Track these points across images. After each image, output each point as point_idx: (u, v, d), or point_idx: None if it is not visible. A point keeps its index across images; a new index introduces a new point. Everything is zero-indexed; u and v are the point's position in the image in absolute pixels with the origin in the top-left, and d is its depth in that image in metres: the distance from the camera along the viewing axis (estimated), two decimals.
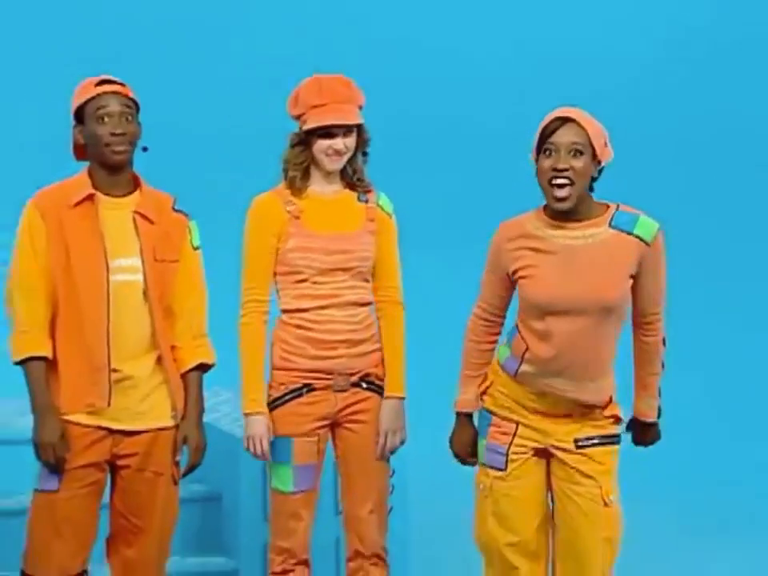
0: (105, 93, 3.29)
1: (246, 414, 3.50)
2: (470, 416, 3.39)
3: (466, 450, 3.38)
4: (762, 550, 5.17)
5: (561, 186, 3.08)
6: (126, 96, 3.31)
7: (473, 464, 3.37)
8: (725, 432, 6.70)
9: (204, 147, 5.88)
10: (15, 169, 6.54)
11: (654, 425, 3.41)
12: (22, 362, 3.28)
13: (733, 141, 7.63)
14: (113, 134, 3.26)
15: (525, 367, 3.23)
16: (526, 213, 3.26)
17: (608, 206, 3.19)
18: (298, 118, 3.53)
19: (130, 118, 3.30)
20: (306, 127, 3.48)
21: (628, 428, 3.41)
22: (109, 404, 3.27)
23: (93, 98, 3.29)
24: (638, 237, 3.15)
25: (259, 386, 3.52)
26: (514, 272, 3.22)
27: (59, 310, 3.30)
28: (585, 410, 3.27)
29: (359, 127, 3.52)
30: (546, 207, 3.19)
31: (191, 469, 3.43)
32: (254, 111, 5.86)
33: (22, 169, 6.42)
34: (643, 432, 3.42)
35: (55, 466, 3.24)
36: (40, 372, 3.28)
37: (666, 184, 7.15)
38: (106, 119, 3.27)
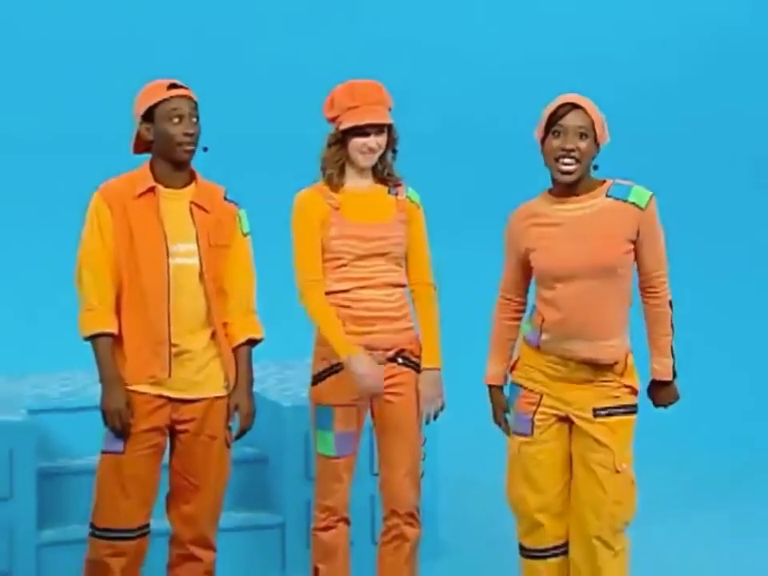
0: (177, 96, 3.34)
1: (349, 358, 3.46)
2: (499, 387, 3.47)
3: (498, 418, 3.46)
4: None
5: (567, 165, 3.24)
6: (192, 99, 3.37)
7: (506, 431, 3.44)
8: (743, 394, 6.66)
9: (246, 147, 5.85)
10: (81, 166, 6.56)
11: (670, 384, 3.41)
12: (90, 338, 3.34)
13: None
14: (185, 134, 3.31)
15: (544, 336, 3.31)
16: (531, 199, 3.41)
17: (605, 181, 3.33)
18: (333, 120, 3.56)
19: (195, 119, 3.35)
20: (342, 127, 3.51)
21: (648, 393, 3.44)
22: (169, 375, 3.32)
23: (165, 99, 3.34)
24: (633, 203, 3.29)
25: (344, 335, 3.51)
26: (526, 250, 3.33)
27: (123, 290, 3.36)
28: (602, 375, 3.32)
29: (389, 127, 3.56)
30: (549, 189, 3.34)
31: (242, 433, 3.47)
32: (287, 115, 5.83)
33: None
34: (661, 393, 3.42)
35: (120, 431, 3.31)
36: (106, 347, 3.34)
37: (661, 165, 7.09)
38: (177, 120, 3.32)
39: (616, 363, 3.32)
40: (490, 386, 3.45)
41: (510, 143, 5.85)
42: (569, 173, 3.23)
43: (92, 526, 3.37)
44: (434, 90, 6.94)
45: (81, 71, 6.80)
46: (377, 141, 3.52)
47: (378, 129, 3.52)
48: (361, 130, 3.50)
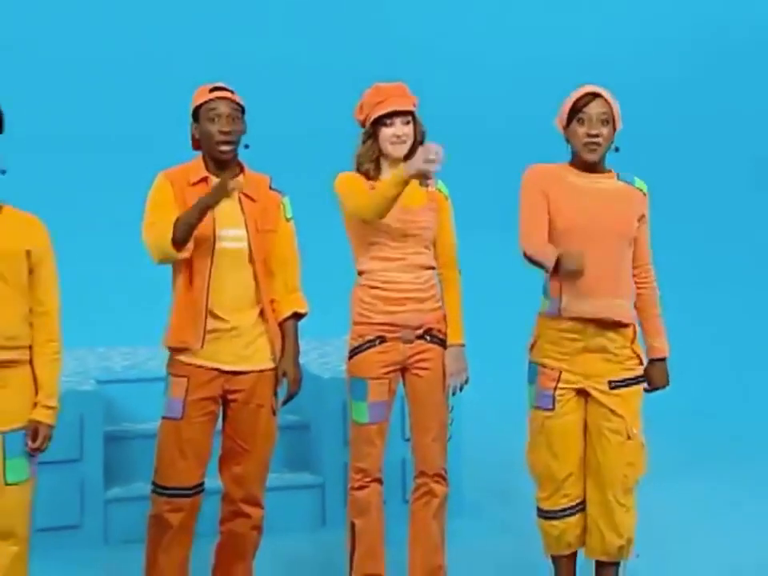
0: (216, 98, 3.37)
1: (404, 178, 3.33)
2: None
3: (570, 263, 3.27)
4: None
5: (593, 151, 3.34)
6: (233, 101, 3.39)
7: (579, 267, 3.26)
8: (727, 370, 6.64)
9: (285, 143, 5.82)
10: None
11: (665, 361, 3.47)
12: (174, 238, 3.24)
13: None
14: (221, 132, 3.34)
15: (564, 300, 3.35)
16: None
17: (611, 170, 3.46)
18: (364, 120, 3.59)
19: (236, 118, 3.37)
20: (371, 119, 3.55)
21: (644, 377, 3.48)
22: (202, 346, 3.32)
23: (206, 101, 3.38)
24: (639, 189, 3.45)
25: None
26: (551, 202, 3.36)
27: (175, 265, 3.39)
28: (616, 342, 3.36)
29: (415, 120, 3.58)
30: (570, 162, 3.42)
31: (290, 398, 3.49)
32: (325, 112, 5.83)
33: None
34: (658, 372, 3.46)
35: (224, 190, 3.21)
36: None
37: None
38: (215, 119, 3.35)
39: (627, 326, 3.37)
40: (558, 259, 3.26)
41: (519, 137, 5.82)
42: (594, 155, 3.35)
43: (153, 484, 3.42)
44: (447, 90, 6.91)
45: (135, 80, 6.82)
46: (403, 129, 3.53)
47: (404, 117, 3.53)
48: (388, 119, 3.52)
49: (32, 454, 3.02)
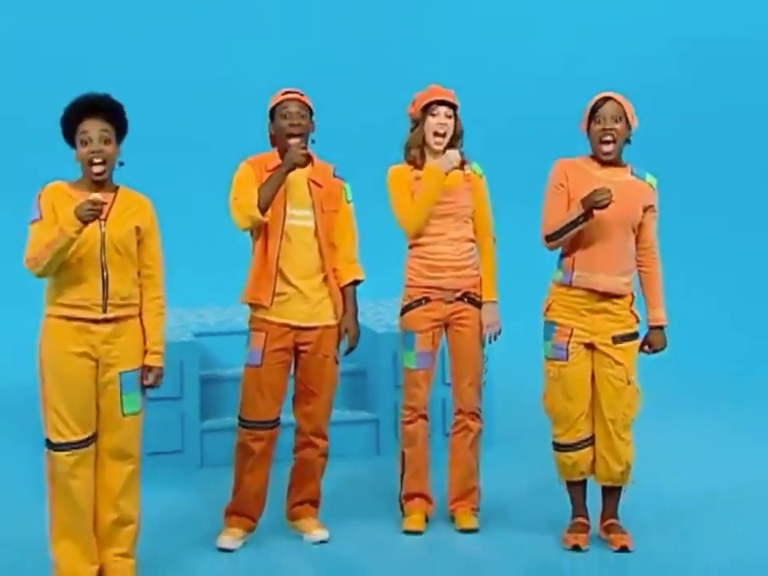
0: (287, 99, 3.45)
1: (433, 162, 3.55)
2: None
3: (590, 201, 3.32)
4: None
5: (607, 143, 3.39)
6: (302, 101, 3.45)
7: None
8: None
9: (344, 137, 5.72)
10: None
11: (663, 329, 3.54)
12: (257, 211, 3.30)
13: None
14: (290, 125, 3.41)
15: (576, 273, 3.43)
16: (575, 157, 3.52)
17: (626, 164, 3.49)
18: (414, 113, 3.63)
19: (304, 116, 3.43)
20: (419, 107, 3.58)
21: (645, 342, 3.53)
22: (270, 304, 3.38)
23: (280, 102, 3.46)
24: (648, 183, 3.49)
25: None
26: (569, 188, 3.41)
27: (254, 238, 3.44)
28: (617, 305, 3.43)
29: (456, 117, 3.61)
30: (592, 157, 3.48)
31: (350, 350, 3.58)
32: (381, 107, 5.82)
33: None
34: (658, 337, 3.52)
35: (291, 160, 3.30)
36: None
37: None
38: (287, 116, 3.42)
39: (626, 296, 3.46)
40: (585, 216, 3.30)
41: (551, 131, 5.76)
42: (608, 153, 3.39)
43: (239, 418, 3.50)
44: (495, 93, 6.83)
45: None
46: (446, 120, 3.55)
47: (447, 108, 3.56)
48: (434, 109, 3.55)
49: (148, 389, 3.12)
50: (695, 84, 7.17)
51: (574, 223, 3.34)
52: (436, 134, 3.57)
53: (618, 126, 3.37)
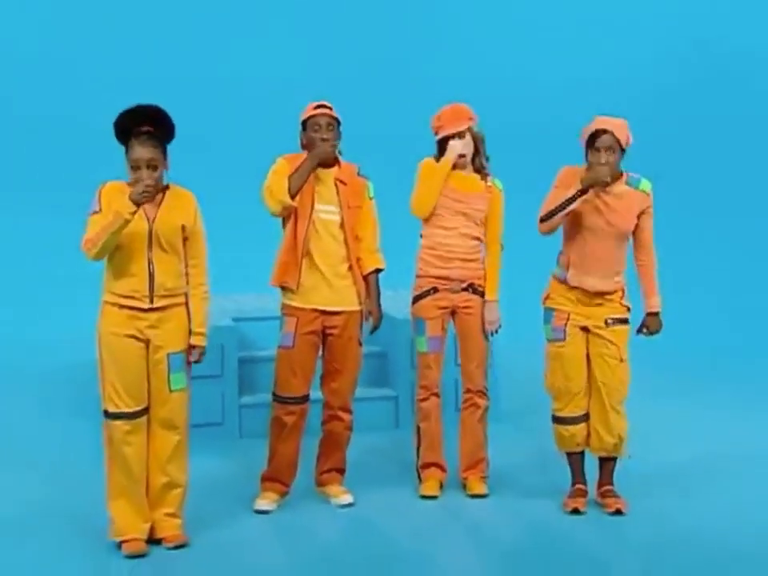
0: (318, 114, 3.46)
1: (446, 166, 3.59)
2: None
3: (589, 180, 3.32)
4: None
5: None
6: (331, 115, 3.47)
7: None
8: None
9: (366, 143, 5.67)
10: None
11: (658, 315, 3.55)
12: (288, 198, 3.32)
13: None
14: (321, 139, 3.43)
15: (570, 272, 3.47)
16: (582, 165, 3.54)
17: (623, 173, 3.48)
18: (434, 131, 3.67)
19: (332, 128, 3.45)
20: (436, 138, 3.63)
21: (642, 326, 3.54)
22: (297, 287, 3.40)
23: (311, 116, 3.48)
24: (642, 191, 3.47)
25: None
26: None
27: (284, 227, 3.46)
28: (609, 299, 3.47)
29: (471, 132, 3.61)
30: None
31: (374, 330, 3.60)
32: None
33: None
34: (655, 322, 3.55)
35: (316, 155, 3.33)
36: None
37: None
38: (317, 129, 3.44)
39: (617, 292, 3.49)
40: (582, 192, 3.31)
41: (559, 139, 5.68)
42: (605, 177, 3.38)
43: (273, 394, 3.54)
44: (505, 102, 6.75)
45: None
46: (461, 144, 3.59)
47: (459, 136, 3.59)
48: (450, 139, 3.59)
49: (193, 364, 3.16)
50: (691, 86, 7.08)
51: (569, 200, 3.35)
52: (458, 162, 3.61)
53: (611, 158, 3.38)
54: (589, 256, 3.41)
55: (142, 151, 3.03)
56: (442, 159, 3.61)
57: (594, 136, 3.39)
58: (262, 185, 3.43)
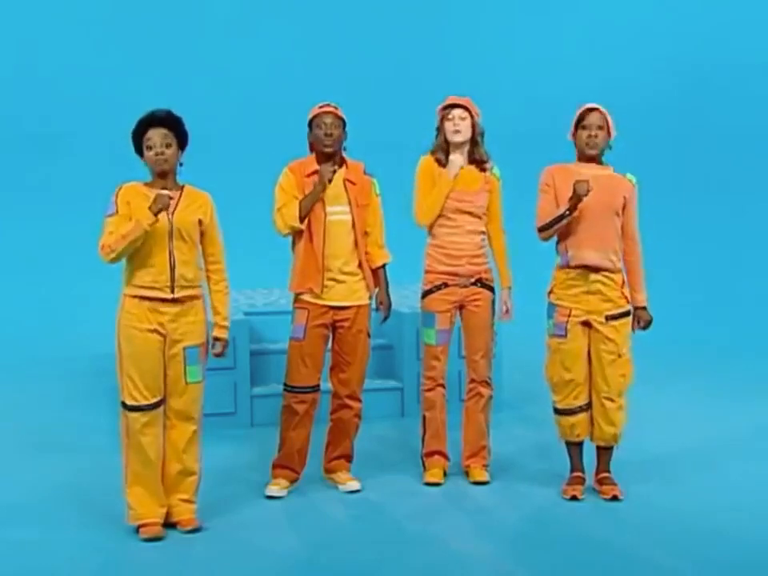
0: (323, 113, 3.47)
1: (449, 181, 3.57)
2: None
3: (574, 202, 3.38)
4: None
5: (593, 146, 3.44)
6: (336, 114, 3.47)
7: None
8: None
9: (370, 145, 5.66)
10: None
11: (646, 308, 3.56)
12: (299, 221, 3.37)
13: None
14: (325, 135, 3.44)
15: (570, 253, 3.45)
16: (563, 162, 3.56)
17: (608, 165, 3.52)
18: (438, 114, 3.66)
19: (337, 126, 3.45)
20: (439, 116, 3.60)
21: (634, 324, 3.53)
22: (321, 291, 3.44)
23: (317, 115, 3.49)
24: (629, 180, 3.52)
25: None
26: (555, 186, 3.45)
27: (296, 234, 3.47)
28: (609, 285, 3.43)
29: (473, 119, 3.59)
30: (579, 159, 3.51)
31: (385, 319, 3.59)
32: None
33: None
34: (643, 315, 3.54)
35: (322, 180, 3.34)
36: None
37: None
38: (322, 126, 3.45)
39: (616, 273, 3.46)
40: (570, 211, 3.36)
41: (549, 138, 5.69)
42: (593, 148, 3.43)
43: (284, 384, 3.56)
44: (508, 105, 6.79)
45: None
46: (460, 122, 3.54)
47: (461, 110, 3.56)
48: (449, 113, 3.56)
49: (216, 357, 3.17)
50: (675, 96, 7.12)
51: (561, 217, 3.40)
52: (453, 131, 3.57)
53: (600, 133, 3.43)
54: (582, 233, 3.41)
55: (157, 131, 3.04)
56: (445, 174, 3.56)
57: (583, 115, 3.44)
58: (272, 206, 3.41)
